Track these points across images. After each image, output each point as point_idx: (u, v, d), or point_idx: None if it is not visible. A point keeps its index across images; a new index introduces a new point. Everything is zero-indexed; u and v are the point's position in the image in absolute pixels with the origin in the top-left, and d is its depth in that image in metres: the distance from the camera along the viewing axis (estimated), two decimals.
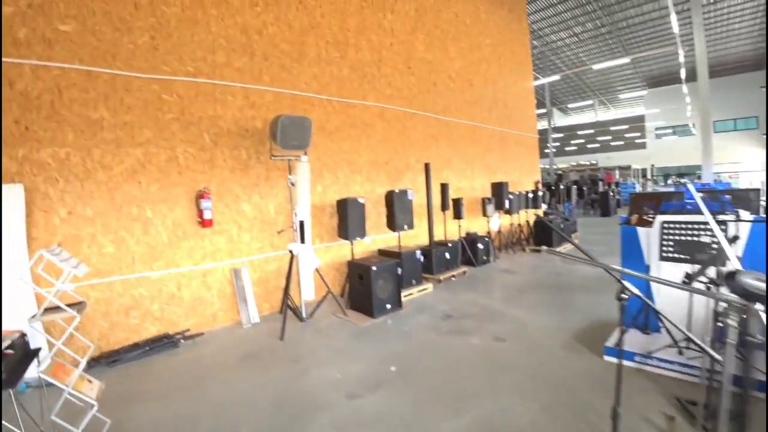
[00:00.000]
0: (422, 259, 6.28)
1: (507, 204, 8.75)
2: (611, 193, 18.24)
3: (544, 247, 2.38)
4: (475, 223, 9.35)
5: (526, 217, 10.30)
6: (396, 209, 5.95)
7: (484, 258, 7.99)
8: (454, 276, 6.94)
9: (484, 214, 8.33)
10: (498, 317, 4.96)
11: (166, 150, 4.94)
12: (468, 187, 9.27)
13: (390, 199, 6.01)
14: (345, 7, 6.88)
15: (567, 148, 44.97)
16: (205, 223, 5.08)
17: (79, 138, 4.38)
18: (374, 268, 4.93)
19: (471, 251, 7.78)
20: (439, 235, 8.13)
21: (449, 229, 8.24)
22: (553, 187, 15.40)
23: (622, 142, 41.33)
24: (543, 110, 31.34)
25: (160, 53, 4.97)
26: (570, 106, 37.70)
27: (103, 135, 4.53)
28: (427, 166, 6.76)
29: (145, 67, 4.85)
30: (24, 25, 4.21)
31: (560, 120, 47.41)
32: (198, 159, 5.16)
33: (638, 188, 26.57)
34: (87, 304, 3.15)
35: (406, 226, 6.09)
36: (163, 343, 4.57)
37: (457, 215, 7.73)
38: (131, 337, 4.60)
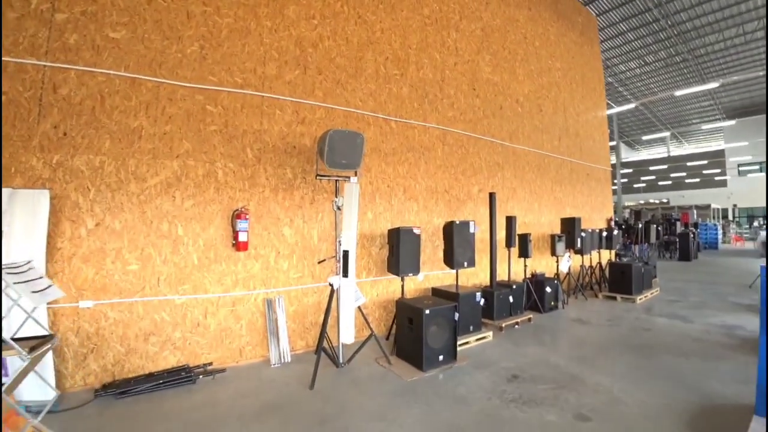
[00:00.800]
0: (482, 302, 5.41)
1: (579, 243, 7.68)
2: (691, 235, 16.30)
3: None
4: (540, 263, 8.33)
5: (598, 258, 9.09)
6: (455, 243, 5.17)
7: (552, 303, 6.94)
8: (517, 323, 5.98)
9: (553, 253, 7.31)
10: (578, 384, 3.98)
11: (205, 164, 4.55)
12: (534, 222, 8.31)
13: (449, 231, 5.25)
14: (407, 23, 6.40)
15: (635, 185, 42.06)
16: (239, 246, 4.59)
17: (115, 146, 4.07)
18: (427, 311, 4.15)
19: (537, 295, 6.77)
20: (501, 275, 7.21)
21: (513, 269, 7.32)
22: (623, 226, 13.93)
23: (697, 180, 38.00)
24: (610, 143, 29.47)
25: (208, 63, 4.67)
26: (644, 138, 35.09)
27: (141, 144, 4.22)
28: (491, 197, 5.97)
29: (191, 76, 4.54)
30: (75, 31, 4.03)
31: (628, 155, 44.69)
32: (238, 175, 4.72)
33: (720, 230, 23.81)
34: (57, 338, 2.60)
35: (466, 263, 5.28)
36: (180, 377, 4.04)
37: (524, 253, 6.79)
38: (147, 365, 4.13)
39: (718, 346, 5.04)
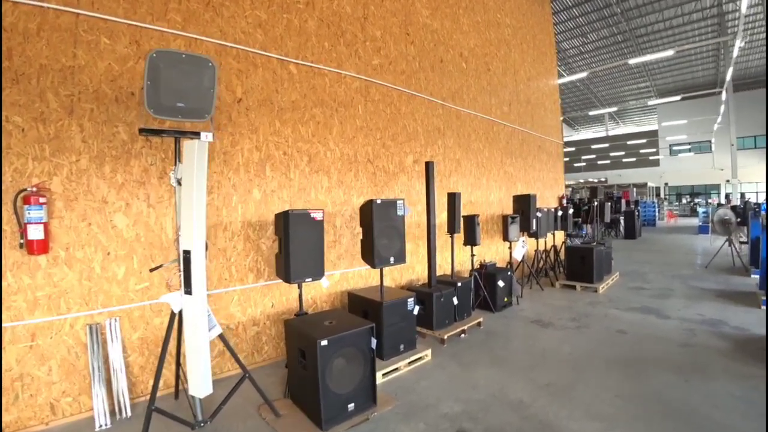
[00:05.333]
0: (417, 309, 4.00)
1: (534, 224, 6.49)
2: (636, 213, 16.06)
3: None
4: (490, 249, 7.11)
5: (553, 240, 8.04)
6: (377, 231, 3.68)
7: (506, 300, 5.70)
8: (464, 331, 4.65)
9: (506, 237, 6.06)
10: None
11: None
12: (482, 200, 7.02)
13: (367, 214, 3.75)
14: None
15: (576, 164, 43.00)
16: (33, 247, 2.85)
17: None
18: (324, 342, 2.65)
19: (488, 291, 5.50)
20: (443, 268, 5.87)
21: (458, 259, 6.02)
22: (575, 203, 13.19)
23: (634, 159, 39.44)
24: None
25: None
26: (589, 114, 35.57)
27: None
28: (428, 167, 4.54)
29: None
30: None
31: (568, 135, 45.54)
32: (31, 136, 2.94)
33: (657, 208, 24.37)
34: None
35: (392, 259, 3.82)
36: None
37: (470, 240, 5.44)
38: None
39: (712, 354, 3.95)
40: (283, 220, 3.18)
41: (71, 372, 3.07)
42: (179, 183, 2.64)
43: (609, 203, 9.50)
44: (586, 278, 6.80)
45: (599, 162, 41.88)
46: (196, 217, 2.62)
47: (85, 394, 3.12)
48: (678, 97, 27.57)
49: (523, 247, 6.26)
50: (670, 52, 17.09)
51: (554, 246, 8.01)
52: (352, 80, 4.84)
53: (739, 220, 8.84)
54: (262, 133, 4.01)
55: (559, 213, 7.86)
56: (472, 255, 5.52)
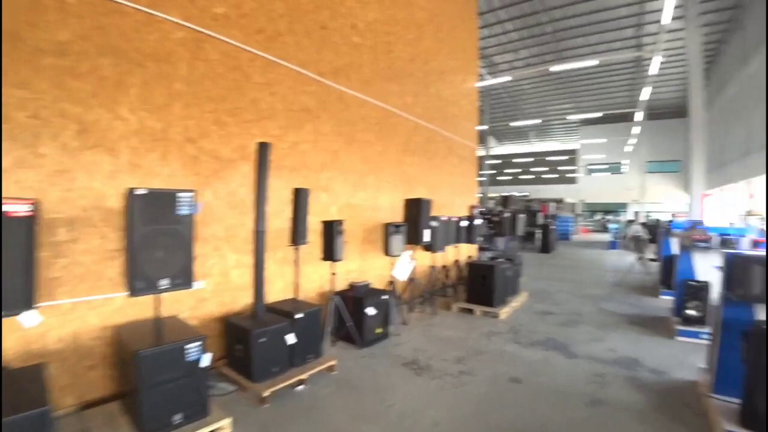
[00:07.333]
0: (207, 359, 2.71)
1: (427, 235, 5.48)
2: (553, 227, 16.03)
3: None
4: (374, 265, 5.89)
5: (457, 254, 7.15)
6: (137, 240, 2.37)
7: (378, 331, 4.57)
8: (303, 382, 3.43)
9: (387, 251, 4.96)
10: None
11: None
12: (368, 204, 5.81)
13: (129, 213, 2.41)
14: None
15: (499, 178, 44.73)
16: None
17: None
18: None
19: (354, 319, 4.34)
20: (284, 291, 4.49)
21: (314, 278, 4.73)
22: (489, 215, 12.59)
23: (554, 175, 41.76)
24: (480, 127, 29.81)
25: None
26: (511, 123, 36.91)
27: None
28: (262, 149, 3.29)
29: None
30: None
31: (491, 147, 47.10)
32: None
33: (572, 222, 25.27)
34: None
35: (167, 281, 2.51)
36: None
37: (329, 253, 4.24)
38: None
39: (626, 419, 3.06)
40: None
41: None
42: None
43: (523, 215, 8.86)
44: (486, 301, 5.91)
45: (522, 177, 43.85)
46: None
47: None
48: (599, 114, 29.79)
49: (408, 263, 5.21)
50: (595, 62, 17.97)
51: (457, 262, 7.12)
52: (173, 27, 3.45)
53: (650, 237, 8.61)
54: None
55: (462, 224, 6.98)
56: (333, 273, 4.33)
